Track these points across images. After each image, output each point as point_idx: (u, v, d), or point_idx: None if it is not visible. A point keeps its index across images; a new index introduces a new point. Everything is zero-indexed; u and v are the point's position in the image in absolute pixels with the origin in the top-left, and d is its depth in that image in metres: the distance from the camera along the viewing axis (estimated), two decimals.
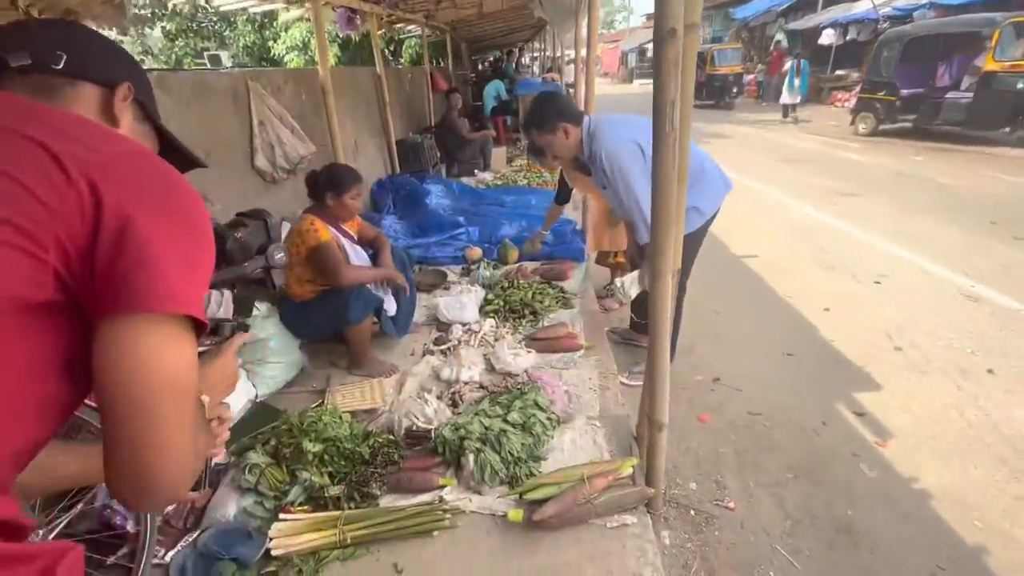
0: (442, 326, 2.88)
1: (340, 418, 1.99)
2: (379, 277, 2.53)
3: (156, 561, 1.63)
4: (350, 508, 1.73)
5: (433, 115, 7.82)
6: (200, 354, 0.83)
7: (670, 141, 1.29)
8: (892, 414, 2.45)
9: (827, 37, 16.05)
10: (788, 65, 13.52)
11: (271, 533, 1.65)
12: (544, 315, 2.93)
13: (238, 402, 2.26)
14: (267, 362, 2.40)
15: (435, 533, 1.66)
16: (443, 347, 2.67)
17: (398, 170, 5.76)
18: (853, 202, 5.89)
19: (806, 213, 5.59)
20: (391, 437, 2.00)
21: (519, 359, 2.43)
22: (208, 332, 0.90)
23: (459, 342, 2.69)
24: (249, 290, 2.42)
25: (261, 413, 2.26)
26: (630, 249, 2.77)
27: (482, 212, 4.79)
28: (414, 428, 2.00)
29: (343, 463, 1.85)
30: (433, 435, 1.94)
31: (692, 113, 1.51)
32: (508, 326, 2.83)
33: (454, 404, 2.19)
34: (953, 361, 2.81)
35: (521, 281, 3.23)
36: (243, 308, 2.35)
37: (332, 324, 2.42)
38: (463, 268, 3.71)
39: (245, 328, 2.19)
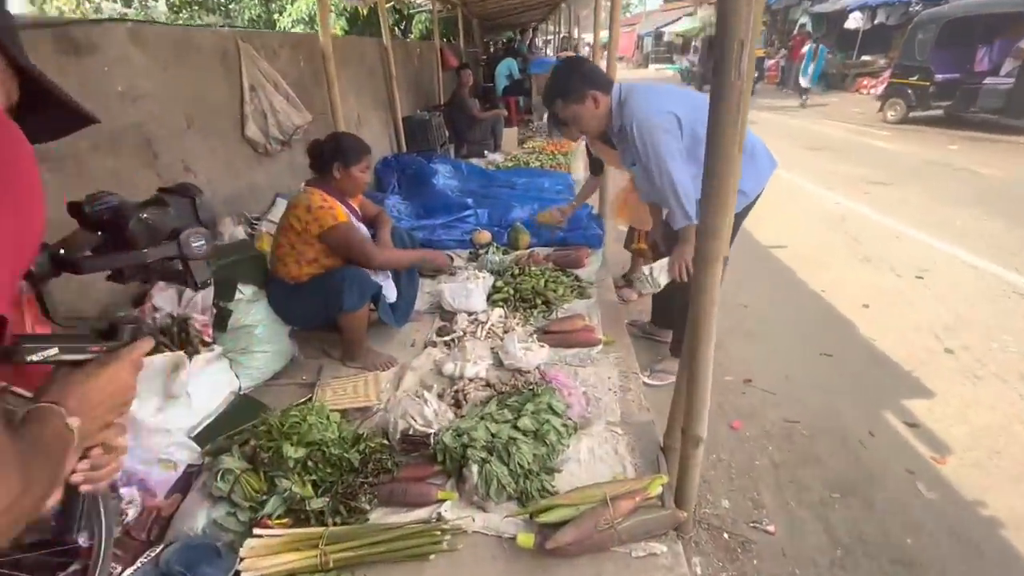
0: (446, 315, 2.63)
1: (328, 418, 1.75)
2: (417, 259, 2.36)
3: None
4: (335, 524, 1.50)
5: (443, 93, 7.50)
6: (82, 363, 0.59)
7: (735, 93, 1.02)
8: (948, 425, 2.18)
9: (854, 21, 15.40)
10: (806, 49, 13.11)
11: (243, 552, 1.42)
12: (558, 305, 2.68)
13: (218, 395, 2.03)
14: (252, 351, 2.17)
15: (432, 557, 1.43)
16: (446, 338, 2.43)
17: (404, 148, 5.49)
18: (885, 191, 5.54)
19: (836, 202, 5.25)
20: (385, 441, 1.76)
21: (530, 354, 2.18)
22: (102, 335, 0.66)
23: (464, 333, 2.44)
24: (233, 271, 2.19)
25: (244, 408, 2.03)
26: (656, 233, 2.50)
27: (492, 194, 4.52)
28: (411, 431, 1.76)
29: (329, 471, 1.62)
30: (432, 440, 1.70)
31: None
32: (518, 317, 2.58)
33: (457, 404, 1.95)
34: (1012, 366, 2.53)
35: (533, 268, 2.97)
36: (224, 291, 2.11)
37: (325, 310, 2.18)
38: (470, 253, 3.45)
39: (180, 328, 1.91)
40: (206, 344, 1.98)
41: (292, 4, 9.12)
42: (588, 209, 3.90)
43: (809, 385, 2.47)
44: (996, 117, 8.34)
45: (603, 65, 3.32)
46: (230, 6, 10.62)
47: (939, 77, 8.85)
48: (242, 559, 1.41)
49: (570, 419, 1.79)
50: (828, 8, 16.74)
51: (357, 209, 2.32)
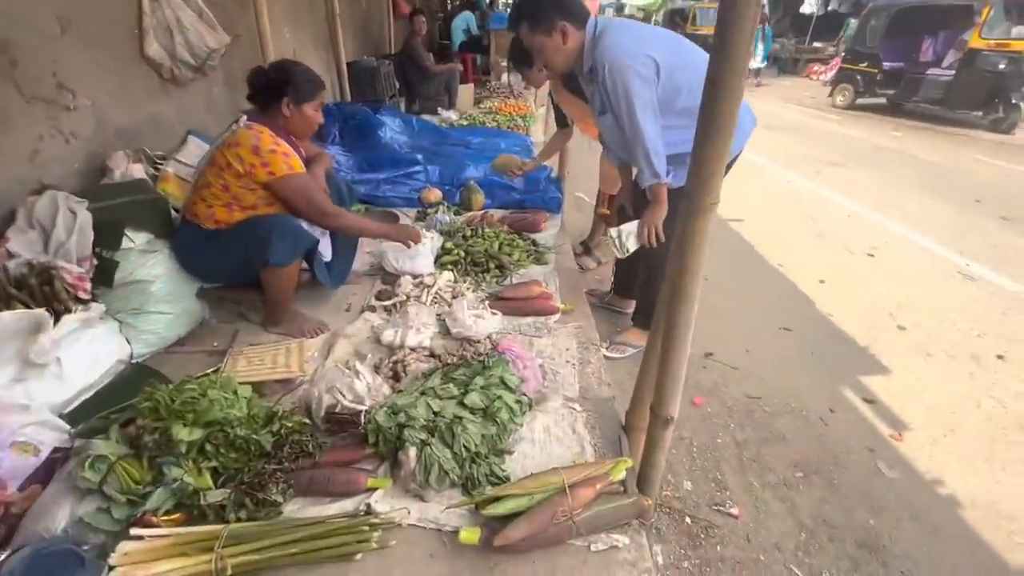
0: (388, 278, 2.34)
1: (235, 393, 1.45)
2: (382, 234, 2.12)
3: None
4: (238, 520, 1.23)
5: (393, 43, 6.93)
6: None
7: (748, 13, 0.79)
8: (905, 402, 2.15)
9: (808, 6, 15.69)
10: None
11: (113, 558, 1.13)
12: (513, 271, 2.44)
13: (102, 364, 1.67)
14: (147, 312, 1.80)
15: (358, 556, 1.19)
16: (387, 303, 2.14)
17: (348, 97, 5.00)
18: (838, 172, 5.62)
19: (791, 180, 5.28)
20: (306, 420, 1.49)
21: (481, 322, 1.94)
22: None
23: (408, 298, 2.16)
24: (121, 213, 1.79)
25: (135, 379, 1.67)
26: (623, 196, 2.29)
27: (444, 152, 4.17)
28: (338, 408, 1.49)
29: (233, 456, 1.33)
30: (363, 419, 1.44)
31: None
32: (469, 281, 2.32)
33: (395, 377, 1.69)
34: (961, 344, 2.55)
35: (487, 230, 2.70)
36: (109, 237, 1.73)
37: (246, 263, 1.82)
38: (418, 212, 3.13)
39: None
40: (81, 301, 1.60)
41: None
42: (547, 171, 3.65)
43: (769, 360, 2.38)
44: (936, 109, 8.70)
45: None
46: None
47: (886, 65, 9.12)
48: (112, 567, 1.12)
49: (524, 395, 1.58)
50: None
51: (302, 151, 1.97)
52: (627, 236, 1.91)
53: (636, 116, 1.72)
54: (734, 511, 1.62)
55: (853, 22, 12.39)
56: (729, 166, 1.92)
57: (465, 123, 5.39)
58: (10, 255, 1.55)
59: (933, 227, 4.03)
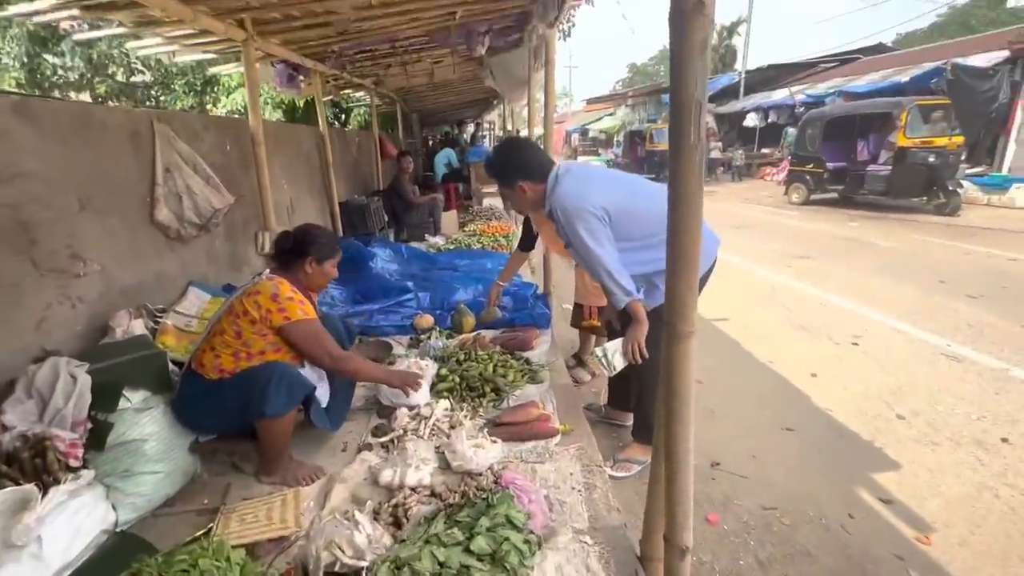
0: (383, 411, 2.32)
1: (228, 560, 1.37)
2: (386, 380, 2.18)
3: None
4: None
5: (382, 180, 7.54)
6: None
7: (694, 157, 0.94)
8: (922, 499, 2.08)
9: (751, 120, 17.66)
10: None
11: None
12: (509, 392, 2.45)
13: (84, 537, 1.58)
14: (136, 473, 1.75)
15: None
16: (384, 439, 2.11)
17: (341, 233, 5.31)
18: (807, 264, 5.93)
19: (764, 276, 5.54)
20: None
21: (481, 452, 1.90)
22: None
23: (405, 432, 2.14)
24: (119, 373, 1.82)
25: (119, 552, 1.58)
26: (608, 312, 2.39)
27: (433, 277, 4.35)
28: (337, 567, 1.41)
29: None
30: None
31: None
32: (466, 408, 2.31)
33: (396, 523, 1.62)
34: (963, 430, 2.54)
35: (480, 352, 2.76)
36: (106, 399, 1.73)
37: (242, 415, 1.83)
38: (411, 338, 3.20)
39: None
40: (72, 470, 1.56)
41: (227, 96, 9.15)
42: (533, 288, 3.82)
43: (777, 464, 2.33)
44: (883, 198, 9.47)
45: None
46: (161, 97, 10.51)
47: (830, 165, 10.08)
48: None
49: (532, 532, 1.51)
50: (728, 110, 19.13)
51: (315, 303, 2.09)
52: (613, 354, 1.97)
53: (591, 251, 1.87)
54: None
55: (791, 131, 13.92)
56: (703, 282, 2.06)
57: (452, 247, 5.69)
58: (5, 428, 1.54)
59: (907, 311, 4.19)
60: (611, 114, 31.67)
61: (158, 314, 2.42)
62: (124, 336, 2.16)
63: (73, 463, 1.57)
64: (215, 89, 9.17)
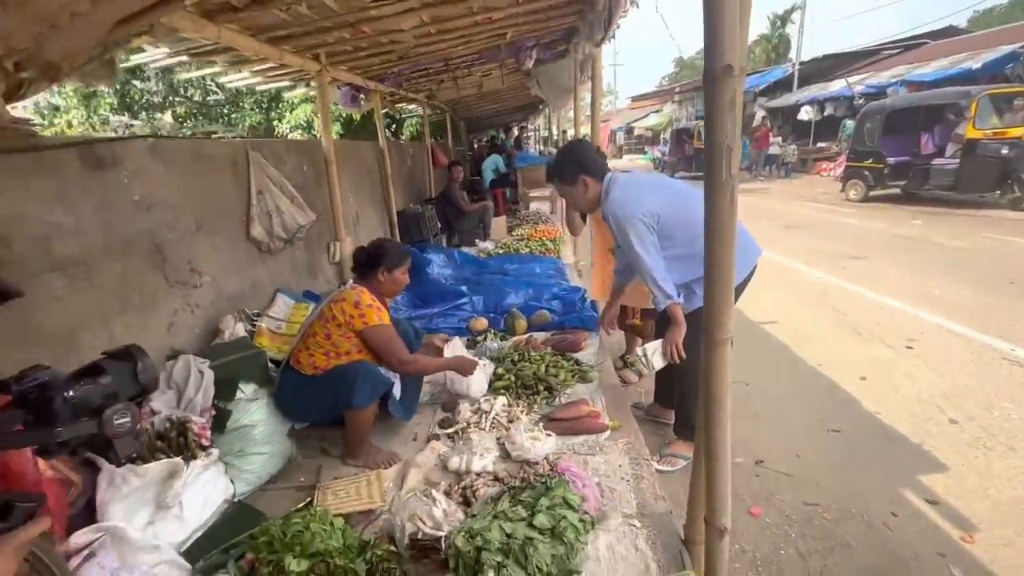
0: (447, 406, 2.59)
1: (331, 524, 1.65)
2: (449, 367, 2.43)
3: None
4: None
5: (433, 188, 7.91)
6: None
7: (727, 191, 1.11)
8: (970, 501, 2.12)
9: (805, 114, 16.98)
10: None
11: None
12: (560, 391, 2.66)
13: (212, 504, 1.91)
14: (248, 453, 2.09)
15: None
16: (449, 430, 2.37)
17: (399, 240, 5.67)
18: (862, 265, 5.79)
19: (817, 277, 5.46)
20: (392, 548, 1.66)
21: (538, 444, 2.12)
22: None
23: (468, 424, 2.39)
24: (234, 369, 2.16)
25: (239, 517, 1.91)
26: (652, 313, 2.56)
27: (485, 281, 4.61)
28: (420, 535, 1.66)
29: None
30: (444, 544, 1.61)
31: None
32: (522, 404, 2.54)
33: (466, 502, 1.86)
34: (1019, 436, 2.52)
35: (532, 353, 2.98)
36: (225, 390, 2.08)
37: (332, 406, 2.14)
38: (468, 339, 3.46)
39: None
40: (204, 448, 1.90)
41: (291, 112, 9.81)
42: (581, 292, 4.00)
43: (822, 464, 2.42)
44: (949, 193, 8.97)
45: None
46: (232, 115, 11.37)
47: (891, 160, 9.63)
48: None
49: (586, 513, 1.72)
50: (781, 104, 18.47)
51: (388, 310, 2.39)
52: (652, 354, 2.15)
53: (639, 255, 2.08)
54: None
55: (850, 123, 13.33)
56: (740, 290, 2.19)
57: (501, 251, 5.93)
58: (153, 412, 1.90)
59: (969, 314, 4.07)
60: (657, 111, 31.17)
61: (254, 318, 2.79)
62: (230, 337, 2.52)
63: (204, 443, 1.91)
64: (279, 106, 9.84)
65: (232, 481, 2.03)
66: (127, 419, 0.86)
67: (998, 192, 8.34)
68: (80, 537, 1.48)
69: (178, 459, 1.76)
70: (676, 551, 1.66)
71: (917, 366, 3.32)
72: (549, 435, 2.20)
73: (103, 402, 0.85)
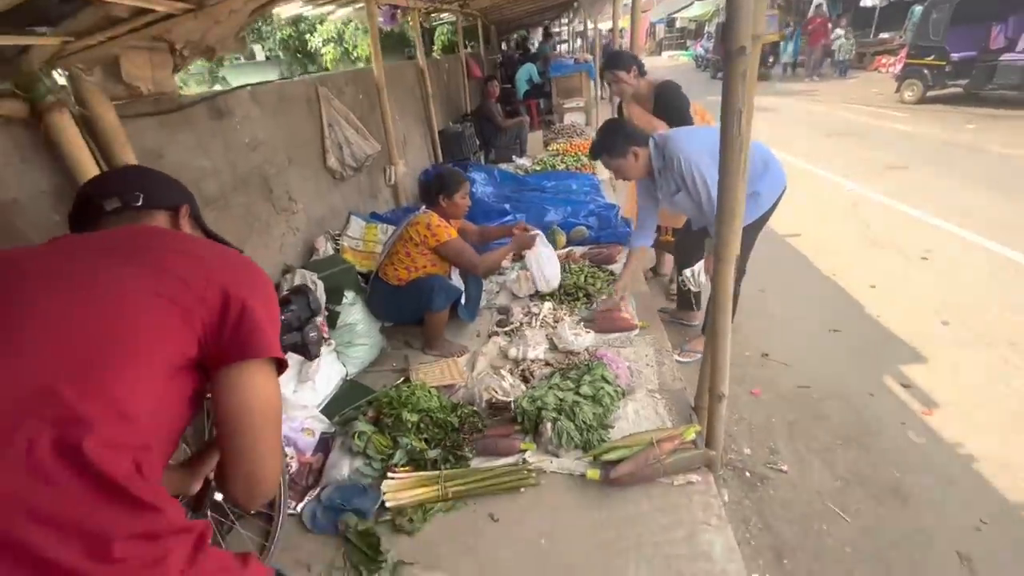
0: (503, 310, 3.11)
1: (429, 392, 2.25)
2: (510, 252, 2.89)
3: (290, 512, 1.94)
4: (447, 468, 2.00)
5: (469, 102, 7.97)
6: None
7: (737, 144, 1.46)
8: (938, 386, 2.57)
9: None
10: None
11: (384, 489, 1.93)
12: (597, 298, 3.13)
13: (333, 381, 2.55)
14: (354, 344, 2.69)
15: (522, 489, 1.91)
16: (506, 328, 2.91)
17: (441, 159, 5.98)
18: (901, 176, 5.80)
19: (850, 189, 5.56)
20: (474, 408, 2.26)
21: (580, 338, 2.65)
22: None
23: (521, 324, 2.92)
24: (339, 280, 2.71)
25: (352, 390, 2.56)
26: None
27: (525, 199, 4.94)
28: (494, 400, 2.25)
29: (437, 431, 2.12)
30: (512, 406, 2.19)
31: None
32: (565, 308, 3.04)
33: (524, 380, 2.43)
34: (1000, 333, 2.88)
35: (572, 265, 3.43)
36: (334, 296, 2.64)
37: (415, 310, 2.69)
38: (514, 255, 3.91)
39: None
40: (325, 339, 2.50)
41: (321, 24, 9.68)
42: (616, 209, 4.34)
43: (819, 357, 2.87)
44: (1016, 93, 8.40)
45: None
46: (261, 28, 11.25)
47: (955, 56, 8.94)
48: (384, 493, 1.92)
49: (619, 386, 2.26)
50: None
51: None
52: (698, 272, 2.56)
53: (711, 190, 2.33)
54: (784, 467, 2.17)
55: (918, 9, 12.05)
56: (767, 217, 2.49)
57: (538, 168, 6.17)
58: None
59: (1000, 228, 4.17)
60: None
61: (337, 238, 3.30)
62: (323, 255, 3.06)
63: (325, 335, 2.50)
64: (308, 18, 9.68)
65: (344, 364, 2.66)
66: (315, 333, 1.36)
67: None
68: None
69: None
70: (687, 415, 2.20)
71: (926, 276, 3.61)
72: (588, 332, 2.72)
73: (298, 323, 1.34)
